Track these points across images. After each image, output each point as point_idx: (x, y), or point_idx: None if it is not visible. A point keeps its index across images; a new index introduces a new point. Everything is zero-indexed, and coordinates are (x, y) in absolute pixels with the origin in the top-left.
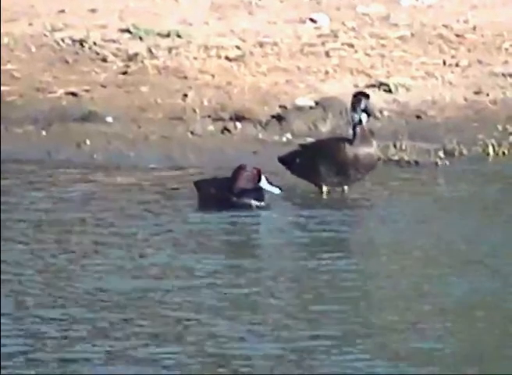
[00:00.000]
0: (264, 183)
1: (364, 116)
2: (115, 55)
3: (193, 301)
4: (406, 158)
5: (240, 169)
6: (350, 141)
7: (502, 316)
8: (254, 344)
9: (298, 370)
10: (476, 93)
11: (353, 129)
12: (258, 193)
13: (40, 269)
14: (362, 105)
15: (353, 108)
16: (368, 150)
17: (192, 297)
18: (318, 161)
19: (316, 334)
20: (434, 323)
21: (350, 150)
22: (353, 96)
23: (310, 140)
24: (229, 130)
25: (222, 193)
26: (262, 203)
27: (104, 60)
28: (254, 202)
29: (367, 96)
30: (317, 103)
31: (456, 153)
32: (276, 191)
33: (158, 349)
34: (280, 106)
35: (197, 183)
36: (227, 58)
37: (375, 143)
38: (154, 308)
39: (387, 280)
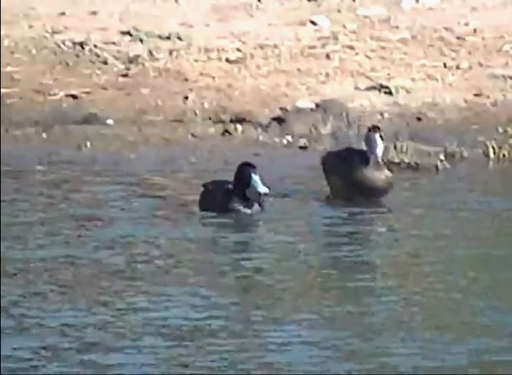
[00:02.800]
0: (255, 180)
1: (375, 149)
2: (115, 57)
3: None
4: (406, 160)
5: (241, 168)
6: (366, 164)
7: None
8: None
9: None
10: (476, 95)
11: (368, 157)
12: (257, 197)
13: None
14: (373, 139)
15: (365, 141)
16: (383, 177)
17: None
18: (331, 174)
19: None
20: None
21: (362, 175)
22: (367, 130)
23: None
24: (229, 133)
25: (221, 196)
26: (259, 208)
27: (105, 62)
28: (254, 209)
29: (377, 129)
30: (317, 105)
31: (457, 155)
32: (265, 189)
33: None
34: (281, 108)
35: (204, 185)
36: (228, 60)
37: (387, 171)
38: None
39: (381, 276)
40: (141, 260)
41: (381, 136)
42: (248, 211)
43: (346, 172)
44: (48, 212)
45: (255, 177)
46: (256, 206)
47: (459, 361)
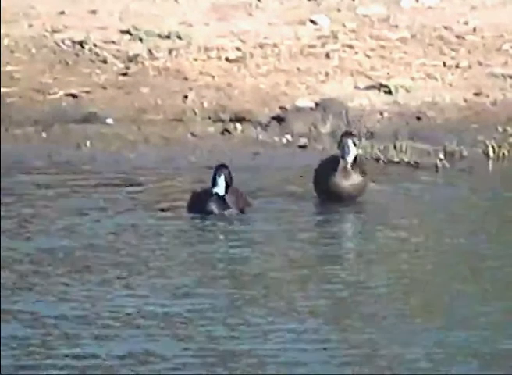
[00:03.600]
0: (218, 181)
1: (347, 154)
2: (115, 56)
3: None
4: (406, 159)
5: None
6: (334, 170)
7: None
8: None
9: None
10: (476, 94)
11: (339, 163)
12: (233, 199)
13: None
14: (346, 144)
15: (339, 145)
16: (349, 183)
17: None
18: (314, 182)
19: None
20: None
21: (333, 182)
22: (340, 136)
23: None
24: (229, 132)
25: (200, 197)
26: (236, 210)
27: (105, 61)
28: (228, 211)
29: (350, 134)
30: (317, 104)
31: (457, 154)
32: (218, 191)
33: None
34: (280, 107)
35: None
36: (227, 59)
37: (355, 177)
38: None
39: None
40: (129, 253)
41: (354, 142)
42: (223, 212)
43: (318, 180)
44: (43, 207)
45: (219, 179)
46: (232, 209)
47: (445, 350)
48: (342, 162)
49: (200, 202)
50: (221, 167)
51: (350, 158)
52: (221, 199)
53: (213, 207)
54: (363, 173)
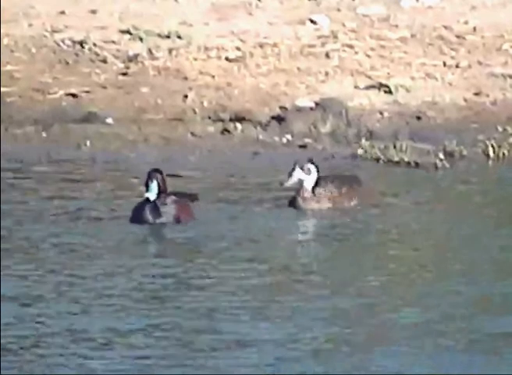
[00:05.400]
0: (150, 186)
1: (304, 179)
2: (115, 56)
3: None
4: (406, 159)
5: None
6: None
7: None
8: None
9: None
10: (476, 94)
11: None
12: (168, 207)
13: None
14: (296, 171)
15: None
16: (310, 208)
17: None
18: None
19: None
20: None
21: (295, 204)
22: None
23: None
24: (229, 131)
25: (138, 206)
26: (171, 219)
27: (105, 61)
28: (161, 220)
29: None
30: (317, 104)
31: (457, 154)
32: (149, 196)
33: None
34: (280, 107)
35: None
36: (227, 59)
37: (315, 203)
38: None
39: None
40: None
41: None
42: (156, 221)
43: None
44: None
45: (151, 184)
46: (167, 217)
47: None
48: (300, 192)
49: (137, 212)
50: (153, 172)
51: (307, 188)
52: (156, 208)
53: (147, 216)
54: (333, 197)
